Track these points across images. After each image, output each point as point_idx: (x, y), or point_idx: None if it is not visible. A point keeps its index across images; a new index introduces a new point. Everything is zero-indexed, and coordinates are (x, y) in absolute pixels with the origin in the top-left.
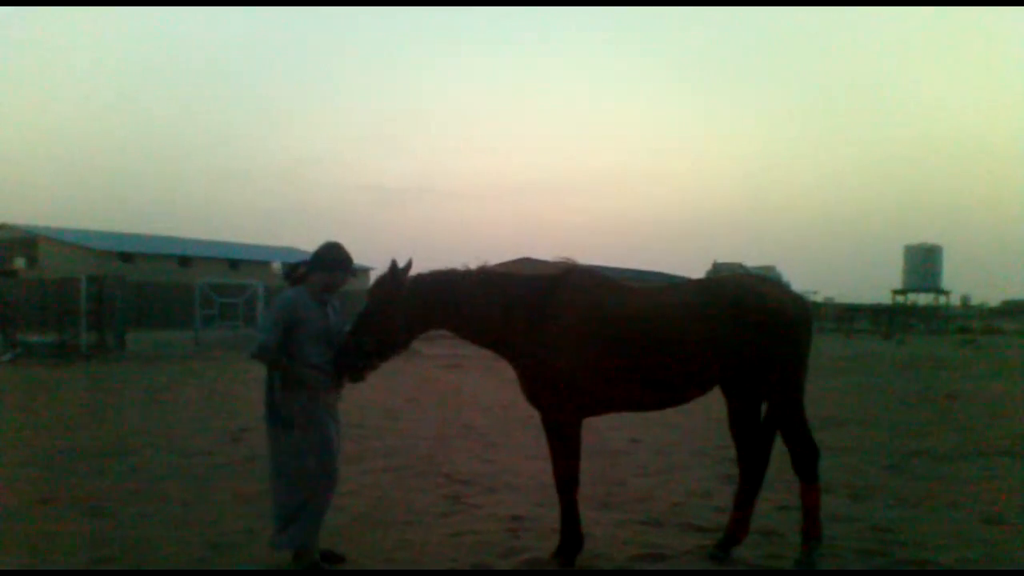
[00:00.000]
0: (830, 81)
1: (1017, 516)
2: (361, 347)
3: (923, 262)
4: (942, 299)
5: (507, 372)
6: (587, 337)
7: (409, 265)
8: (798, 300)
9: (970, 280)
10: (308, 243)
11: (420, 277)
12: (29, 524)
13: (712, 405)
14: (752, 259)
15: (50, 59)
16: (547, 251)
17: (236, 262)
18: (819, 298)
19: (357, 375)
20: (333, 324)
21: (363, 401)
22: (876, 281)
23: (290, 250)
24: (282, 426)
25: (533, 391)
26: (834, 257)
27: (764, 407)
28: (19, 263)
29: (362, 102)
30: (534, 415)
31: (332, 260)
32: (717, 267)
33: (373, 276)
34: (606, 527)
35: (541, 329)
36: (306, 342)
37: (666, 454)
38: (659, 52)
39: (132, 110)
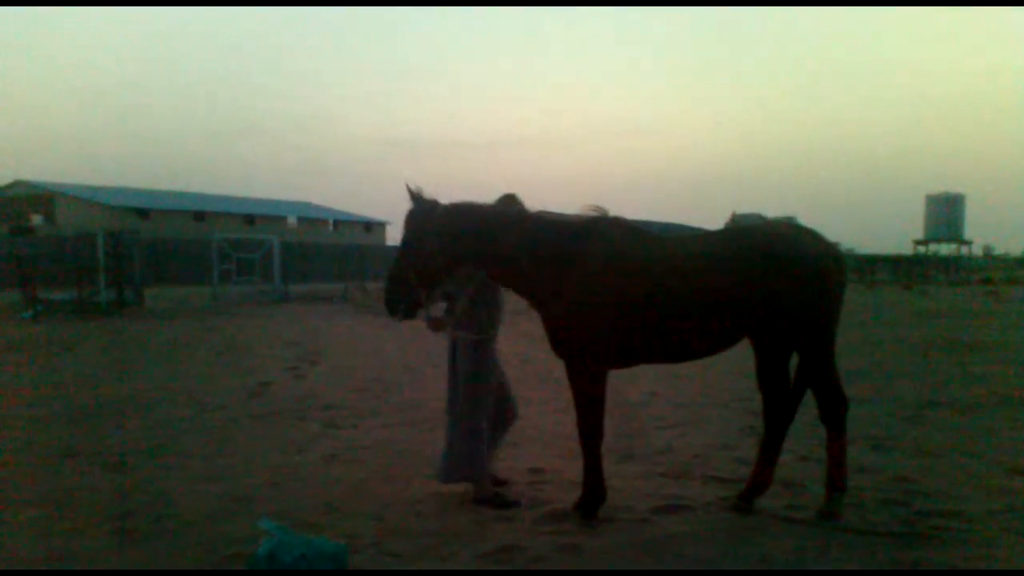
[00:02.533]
0: (853, 28)
1: None
2: (403, 280)
3: (945, 212)
4: (964, 249)
5: (524, 326)
6: (615, 287)
7: (436, 202)
8: (832, 249)
9: (993, 230)
10: (323, 198)
11: (455, 206)
12: (52, 478)
13: (730, 358)
14: (772, 210)
15: (66, 15)
16: (564, 203)
17: (252, 217)
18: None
19: (406, 310)
20: None
21: (382, 355)
22: (898, 231)
23: (306, 204)
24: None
25: (558, 341)
26: (855, 207)
27: (790, 358)
28: (36, 220)
29: (375, 55)
30: (552, 369)
31: None
32: (736, 218)
33: (389, 230)
34: (627, 479)
35: (568, 277)
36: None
37: (685, 407)
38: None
39: (148, 67)
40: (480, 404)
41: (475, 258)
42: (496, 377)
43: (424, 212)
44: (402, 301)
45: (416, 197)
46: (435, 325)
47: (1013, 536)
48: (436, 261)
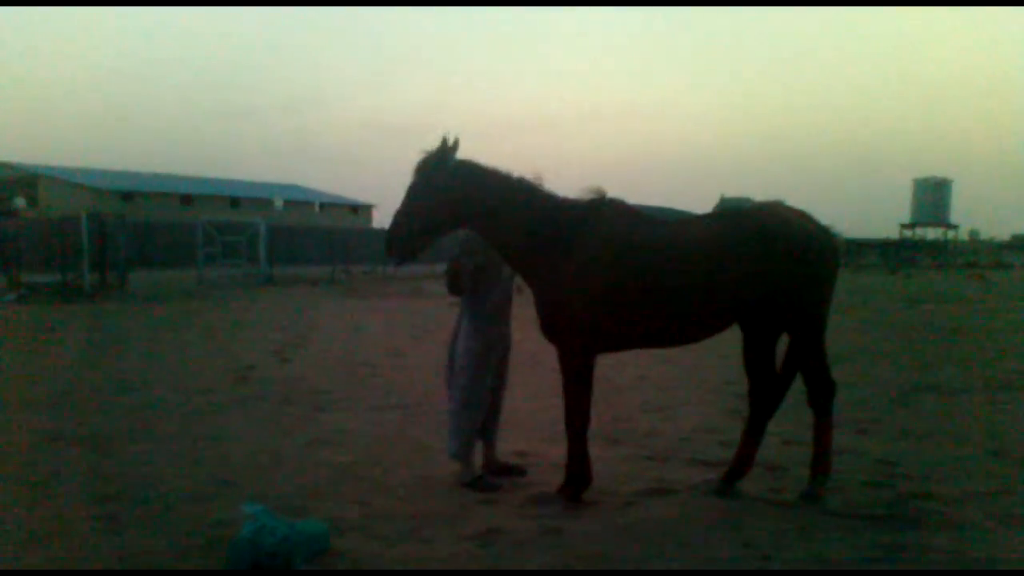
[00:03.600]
0: (840, 12)
1: (1022, 450)
2: (406, 224)
3: (932, 196)
4: (951, 233)
5: (512, 310)
6: (610, 270)
7: (456, 145)
8: (826, 232)
9: (980, 214)
10: (310, 180)
11: (464, 165)
12: (37, 462)
13: (717, 341)
14: (760, 193)
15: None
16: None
17: (237, 200)
18: None
19: (403, 254)
20: None
21: (368, 339)
22: (885, 215)
23: (292, 187)
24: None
25: (550, 322)
26: (842, 191)
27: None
28: (19, 202)
29: (364, 38)
30: (539, 352)
31: None
32: (724, 201)
33: (375, 214)
34: (612, 462)
35: (564, 257)
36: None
37: (671, 390)
38: None
39: (132, 47)
40: (471, 388)
41: (472, 221)
42: (494, 366)
43: (434, 162)
44: (401, 245)
45: (441, 148)
46: (456, 286)
47: (995, 520)
48: (438, 214)
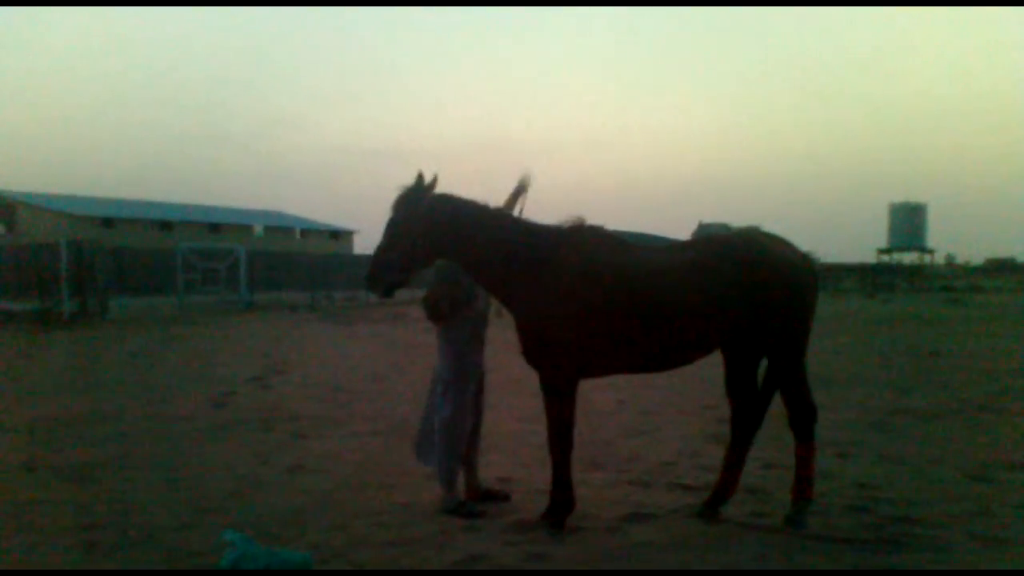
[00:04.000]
0: (816, 40)
1: (1001, 472)
2: (387, 259)
3: (908, 220)
4: (927, 257)
5: (492, 333)
6: (589, 296)
7: (434, 181)
8: (806, 258)
9: (955, 238)
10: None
11: (440, 198)
12: (14, 492)
13: (698, 365)
14: (737, 219)
15: (25, 17)
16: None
17: (217, 226)
18: None
19: (386, 288)
20: None
21: (349, 365)
22: (862, 240)
23: (272, 213)
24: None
25: (531, 348)
26: (819, 216)
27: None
28: None
29: (337, 63)
30: (522, 377)
31: None
32: (702, 227)
33: (356, 240)
34: (595, 487)
35: (542, 283)
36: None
37: (653, 414)
38: (634, 11)
39: (110, 75)
40: (453, 416)
41: (451, 253)
42: (474, 387)
43: (412, 197)
44: (383, 279)
45: (416, 183)
46: (435, 315)
47: (975, 541)
48: (416, 248)
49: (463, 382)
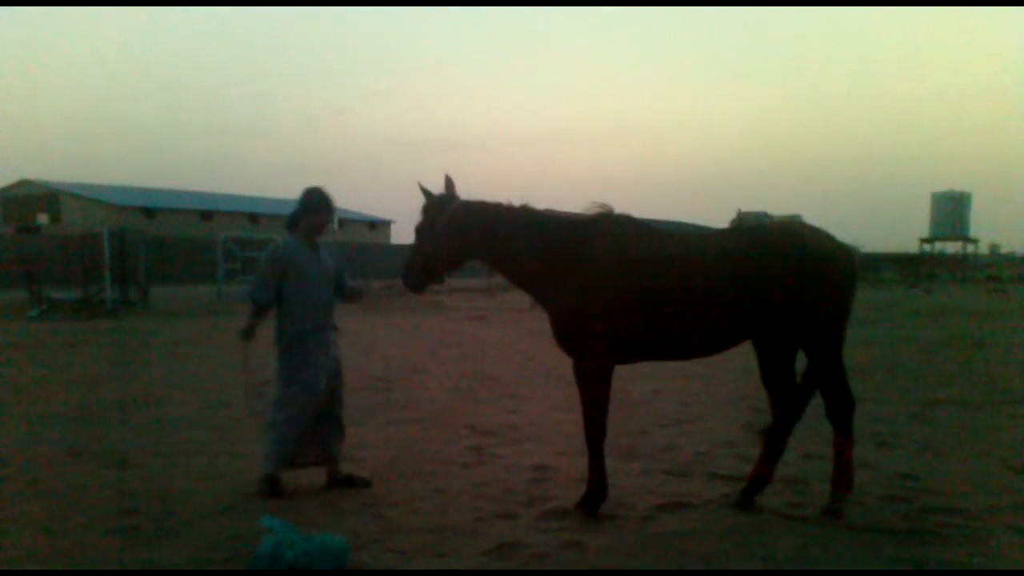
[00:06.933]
0: (858, 25)
1: None
2: (414, 261)
3: (951, 210)
4: (970, 247)
5: (529, 323)
6: (622, 283)
7: (452, 187)
8: (844, 249)
9: (999, 228)
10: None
11: (467, 204)
12: (57, 476)
13: (733, 355)
14: (777, 208)
15: (71, 15)
16: (567, 201)
17: (256, 216)
18: None
19: (417, 287)
20: (329, 267)
21: (386, 354)
22: (903, 230)
23: None
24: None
25: (564, 336)
26: (860, 206)
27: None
28: (42, 219)
29: (382, 55)
30: (557, 366)
31: (313, 203)
32: (741, 216)
33: (393, 229)
34: (630, 477)
35: (576, 273)
36: (302, 284)
37: (688, 404)
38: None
39: (154, 65)
40: (288, 405)
41: (484, 255)
42: (320, 380)
43: (438, 205)
44: (411, 280)
45: (428, 193)
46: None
47: (1016, 534)
48: (442, 253)
49: (300, 367)
